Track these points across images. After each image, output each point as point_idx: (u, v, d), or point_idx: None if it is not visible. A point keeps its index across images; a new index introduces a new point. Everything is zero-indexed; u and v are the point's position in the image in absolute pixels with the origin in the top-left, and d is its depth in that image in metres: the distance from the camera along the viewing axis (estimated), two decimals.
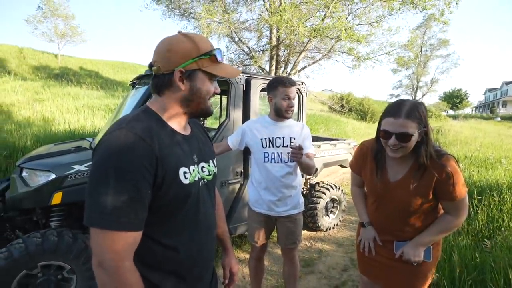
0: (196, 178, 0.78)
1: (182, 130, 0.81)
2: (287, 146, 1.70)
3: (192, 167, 0.78)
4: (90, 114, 6.91)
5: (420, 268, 1.24)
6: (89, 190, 0.63)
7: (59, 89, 10.05)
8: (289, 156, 1.60)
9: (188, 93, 0.76)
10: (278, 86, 1.70)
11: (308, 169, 1.67)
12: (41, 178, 1.85)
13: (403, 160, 1.18)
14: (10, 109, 6.52)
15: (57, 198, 1.81)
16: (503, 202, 3.02)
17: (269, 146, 1.73)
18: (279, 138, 1.72)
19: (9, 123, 5.21)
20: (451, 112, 43.80)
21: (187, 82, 0.75)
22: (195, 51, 0.74)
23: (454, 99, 44.91)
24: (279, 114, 1.72)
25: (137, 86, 2.56)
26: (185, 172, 0.74)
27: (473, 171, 4.76)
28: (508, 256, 2.03)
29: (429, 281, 1.29)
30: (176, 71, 0.73)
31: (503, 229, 2.58)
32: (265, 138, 1.73)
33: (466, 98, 45.03)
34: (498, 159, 5.49)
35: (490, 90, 51.20)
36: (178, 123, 0.80)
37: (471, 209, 2.94)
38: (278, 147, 1.72)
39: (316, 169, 3.04)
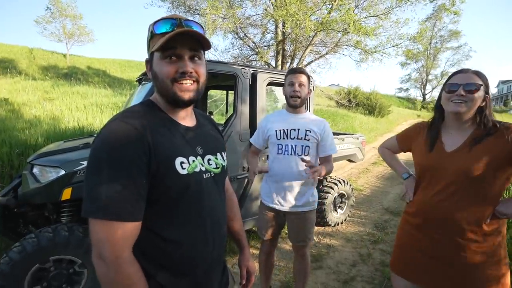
0: (197, 170, 0.75)
1: (183, 120, 0.79)
2: (301, 139, 1.65)
3: (191, 158, 0.75)
4: (98, 112, 7.00)
5: (503, 251, 1.10)
6: (85, 182, 0.63)
7: (68, 88, 10.21)
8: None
9: (153, 80, 0.75)
10: (287, 75, 1.69)
11: (329, 174, 1.66)
12: (51, 174, 1.88)
13: (461, 131, 1.15)
14: (21, 108, 6.67)
15: (67, 194, 1.83)
16: None
17: (284, 138, 1.68)
18: (294, 130, 1.66)
19: (21, 122, 5.33)
20: None
21: (152, 69, 0.74)
22: (148, 36, 0.74)
23: None
24: (288, 103, 1.69)
25: (143, 82, 2.57)
26: (182, 162, 0.71)
27: None
28: None
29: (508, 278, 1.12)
30: (146, 61, 0.76)
31: None
32: (280, 130, 1.69)
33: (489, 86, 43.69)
34: None
35: (503, 82, 49.64)
36: (173, 112, 0.77)
37: None
38: (292, 139, 1.67)
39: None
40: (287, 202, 1.70)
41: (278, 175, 1.69)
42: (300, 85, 1.64)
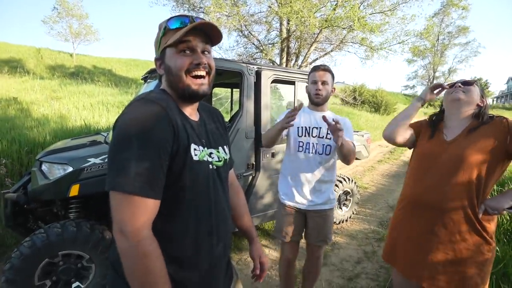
0: (205, 159, 0.78)
1: (188, 114, 0.81)
2: (323, 137, 1.63)
3: (200, 147, 0.77)
4: (104, 110, 7.09)
5: (490, 254, 1.12)
6: (112, 157, 0.63)
7: (75, 87, 10.35)
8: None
9: (166, 75, 0.78)
10: (311, 72, 1.67)
11: (349, 155, 1.49)
12: (59, 171, 1.91)
13: (460, 122, 1.24)
14: (29, 107, 6.79)
15: (74, 190, 1.86)
16: None
17: (305, 135, 1.66)
18: (316, 128, 1.65)
19: (29, 120, 5.43)
20: None
21: (163, 65, 0.78)
22: (158, 34, 0.77)
23: None
24: (311, 100, 1.68)
25: (148, 80, 2.59)
26: (195, 149, 0.74)
27: None
28: None
29: (488, 278, 1.15)
30: (155, 60, 0.79)
31: None
32: (302, 127, 1.66)
33: (487, 88, 42.82)
34: None
35: None
36: (183, 107, 0.80)
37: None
38: (314, 137, 1.65)
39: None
40: (308, 200, 1.66)
41: (298, 173, 1.66)
42: (323, 82, 1.61)
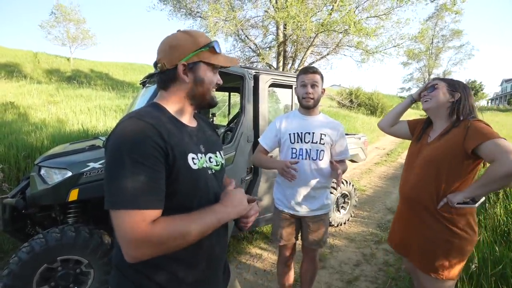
0: (204, 165, 0.81)
1: (188, 122, 0.85)
2: (316, 143, 1.60)
3: (199, 155, 0.80)
4: (102, 114, 7.07)
5: (456, 241, 1.24)
6: (108, 176, 0.65)
7: (72, 91, 10.32)
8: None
9: (192, 84, 0.81)
10: (299, 75, 1.64)
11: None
12: (58, 176, 1.91)
13: (440, 124, 1.35)
14: (27, 111, 6.76)
15: (73, 195, 1.86)
16: None
17: (297, 142, 1.62)
18: (309, 133, 1.61)
19: (27, 125, 5.41)
20: None
21: (191, 74, 0.80)
22: (195, 44, 0.79)
23: None
24: (301, 104, 1.64)
25: (147, 84, 2.60)
26: (193, 158, 0.77)
27: None
28: None
29: (462, 262, 1.27)
30: (180, 65, 0.78)
31: None
32: (294, 133, 1.63)
33: (481, 90, 43.41)
34: None
35: (507, 80, 49.22)
36: (184, 115, 0.84)
37: (487, 203, 2.86)
38: (307, 142, 1.61)
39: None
40: (303, 206, 1.66)
41: (293, 180, 1.64)
42: (313, 85, 1.57)
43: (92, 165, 1.95)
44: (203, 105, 0.87)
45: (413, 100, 1.56)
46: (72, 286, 1.83)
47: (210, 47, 0.81)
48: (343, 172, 1.63)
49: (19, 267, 1.65)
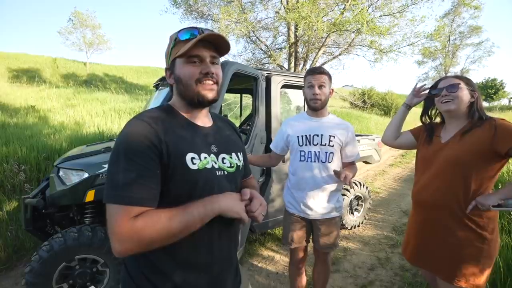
0: (209, 166, 0.78)
1: (199, 121, 0.84)
2: (325, 145, 1.57)
3: (203, 155, 0.78)
4: (116, 117, 7.27)
5: (485, 246, 1.17)
6: (107, 172, 0.69)
7: (88, 95, 10.67)
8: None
9: (176, 84, 0.81)
10: (306, 76, 1.61)
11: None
12: (76, 177, 1.97)
13: (455, 125, 1.28)
14: (46, 114, 7.04)
15: (90, 196, 1.91)
16: None
17: (306, 144, 1.59)
18: (317, 135, 1.57)
19: (47, 127, 5.63)
20: (485, 104, 40.58)
21: (173, 75, 0.81)
22: (170, 45, 0.79)
23: (488, 90, 41.65)
24: (309, 106, 1.61)
25: (160, 87, 2.65)
26: (193, 158, 0.75)
27: None
28: None
29: (490, 268, 1.21)
30: (166, 70, 0.83)
31: None
32: (302, 136, 1.60)
33: (503, 88, 41.48)
34: None
35: None
36: (191, 114, 0.83)
37: None
38: (315, 145, 1.58)
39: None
40: (313, 209, 1.63)
41: (302, 183, 1.62)
42: (321, 86, 1.54)
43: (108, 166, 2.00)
44: (193, 103, 0.80)
45: (408, 107, 1.51)
46: (89, 284, 1.88)
47: (177, 41, 0.77)
48: (353, 175, 1.60)
49: (40, 264, 1.72)
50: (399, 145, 1.56)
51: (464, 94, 1.23)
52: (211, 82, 0.78)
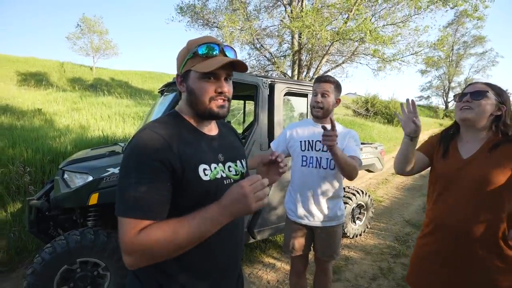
0: (218, 176, 0.79)
1: (206, 129, 0.85)
2: (327, 151, 1.53)
3: (213, 165, 0.79)
4: (121, 121, 7.34)
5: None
6: (118, 185, 0.69)
7: (94, 99, 10.80)
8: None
9: (187, 94, 0.81)
10: (313, 83, 1.63)
11: (347, 169, 1.41)
12: (80, 180, 2.00)
13: (476, 140, 1.15)
14: (53, 117, 7.14)
15: (93, 199, 1.93)
16: None
17: (308, 149, 1.60)
18: (319, 141, 1.55)
19: (52, 131, 5.70)
20: None
21: (185, 84, 0.80)
22: (186, 53, 0.79)
23: None
24: (311, 113, 1.63)
25: (165, 93, 2.69)
26: (205, 169, 0.76)
27: None
28: None
29: None
30: (177, 75, 0.82)
31: None
32: (305, 141, 1.61)
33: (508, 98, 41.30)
34: None
35: None
36: (198, 122, 0.83)
37: None
38: (317, 151, 1.58)
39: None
40: (315, 216, 1.62)
41: (303, 189, 1.62)
42: (324, 94, 1.55)
43: (111, 170, 2.02)
44: (202, 115, 0.80)
45: (411, 139, 1.18)
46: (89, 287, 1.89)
47: (195, 53, 0.76)
48: (345, 161, 1.39)
49: (42, 266, 1.73)
50: (416, 171, 1.33)
51: (488, 104, 1.08)
52: (223, 99, 0.79)
